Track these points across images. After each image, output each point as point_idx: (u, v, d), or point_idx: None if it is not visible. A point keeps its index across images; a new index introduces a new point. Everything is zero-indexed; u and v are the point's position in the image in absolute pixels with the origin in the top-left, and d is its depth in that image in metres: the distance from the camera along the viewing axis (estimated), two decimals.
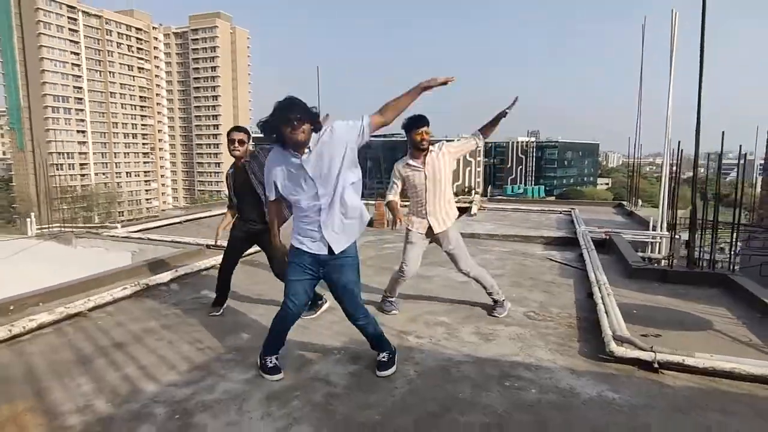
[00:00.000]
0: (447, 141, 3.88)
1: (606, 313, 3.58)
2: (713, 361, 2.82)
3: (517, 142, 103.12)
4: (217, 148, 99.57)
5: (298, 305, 2.76)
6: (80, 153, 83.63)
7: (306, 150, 2.53)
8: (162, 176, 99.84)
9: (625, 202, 11.50)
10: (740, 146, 4.77)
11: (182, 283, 4.79)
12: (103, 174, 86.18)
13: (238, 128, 3.77)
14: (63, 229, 7.13)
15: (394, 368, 2.86)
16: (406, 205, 4.04)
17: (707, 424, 2.35)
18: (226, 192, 3.99)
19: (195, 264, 5.26)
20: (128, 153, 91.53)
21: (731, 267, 4.84)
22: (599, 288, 4.18)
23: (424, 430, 2.30)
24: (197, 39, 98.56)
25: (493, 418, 2.39)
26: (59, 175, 79.34)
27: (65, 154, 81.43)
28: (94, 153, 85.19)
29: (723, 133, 4.60)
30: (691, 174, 5.39)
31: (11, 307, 3.84)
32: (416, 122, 3.53)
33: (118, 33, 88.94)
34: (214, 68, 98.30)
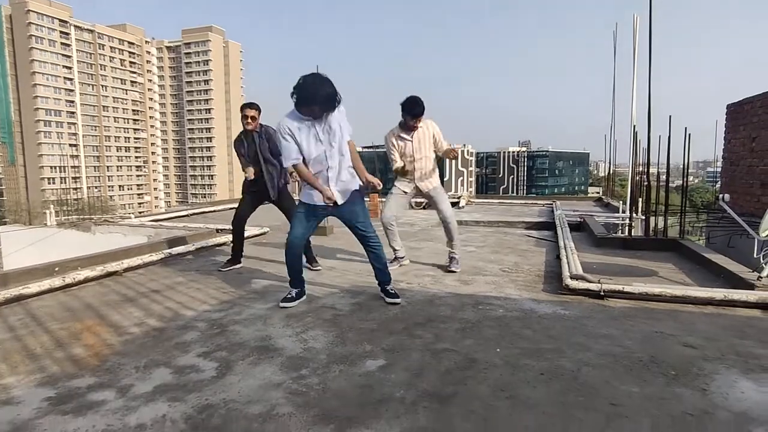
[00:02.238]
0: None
1: (567, 263, 4.24)
2: (646, 288, 3.48)
3: (509, 152, 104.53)
4: (211, 160, 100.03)
5: (299, 237, 3.45)
6: (72, 167, 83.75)
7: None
8: (155, 189, 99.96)
9: (603, 197, 12.25)
10: (685, 129, 5.47)
11: (199, 255, 5.40)
12: (96, 187, 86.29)
13: (250, 105, 4.49)
14: (82, 218, 7.70)
15: (400, 300, 3.49)
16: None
17: (633, 325, 3.00)
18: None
19: (208, 241, 5.86)
20: (121, 166, 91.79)
21: (681, 235, 5.52)
22: (565, 250, 4.84)
23: (413, 331, 2.92)
24: (190, 53, 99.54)
25: (467, 324, 3.03)
26: (51, 189, 80.00)
27: (57, 168, 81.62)
28: (86, 166, 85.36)
29: (670, 117, 5.31)
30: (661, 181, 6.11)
31: (56, 269, 4.43)
32: (413, 111, 4.18)
33: (111, 47, 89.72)
34: (207, 81, 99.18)
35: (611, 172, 11.88)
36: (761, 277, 3.53)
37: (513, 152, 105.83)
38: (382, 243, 3.67)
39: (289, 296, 3.47)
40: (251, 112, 4.41)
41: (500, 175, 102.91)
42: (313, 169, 3.33)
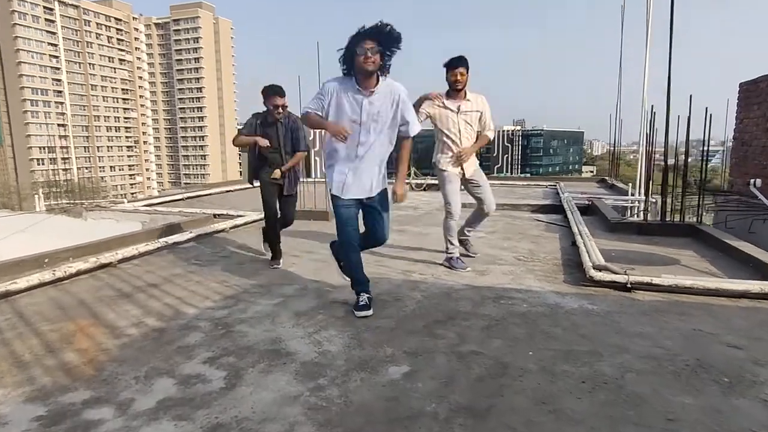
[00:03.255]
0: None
1: (587, 252, 4.03)
2: (676, 280, 3.29)
3: (503, 131, 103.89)
4: (203, 140, 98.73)
5: (350, 239, 2.99)
6: (61, 147, 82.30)
7: (371, 91, 2.80)
8: (147, 169, 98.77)
9: (607, 177, 12.03)
10: (706, 109, 5.22)
11: (198, 242, 5.14)
12: (86, 168, 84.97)
13: (276, 91, 4.00)
14: (73, 203, 7.40)
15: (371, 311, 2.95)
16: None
17: (668, 321, 2.81)
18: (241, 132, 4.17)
19: (205, 229, 5.60)
20: (111, 146, 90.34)
21: (699, 220, 5.33)
22: (581, 236, 4.63)
23: (434, 329, 2.72)
24: (179, 30, 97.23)
25: (492, 322, 2.83)
26: (40, 170, 78.71)
27: (46, 149, 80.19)
28: (75, 147, 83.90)
29: (690, 96, 5.06)
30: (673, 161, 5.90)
31: (46, 260, 4.17)
32: (452, 62, 3.77)
33: (97, 24, 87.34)
34: (197, 59, 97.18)
35: (615, 151, 11.63)
36: None
37: (507, 131, 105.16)
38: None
39: (362, 303, 2.96)
40: (281, 101, 3.99)
41: (494, 154, 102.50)
42: (340, 149, 2.93)
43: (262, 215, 5.94)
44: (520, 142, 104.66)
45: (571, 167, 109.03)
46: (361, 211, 3.04)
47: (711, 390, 2.04)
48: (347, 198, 2.95)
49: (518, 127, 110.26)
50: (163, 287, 3.60)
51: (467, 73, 3.82)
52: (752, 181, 4.29)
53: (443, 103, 3.89)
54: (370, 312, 2.93)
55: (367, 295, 3.03)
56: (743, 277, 3.66)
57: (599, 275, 3.45)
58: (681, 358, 2.33)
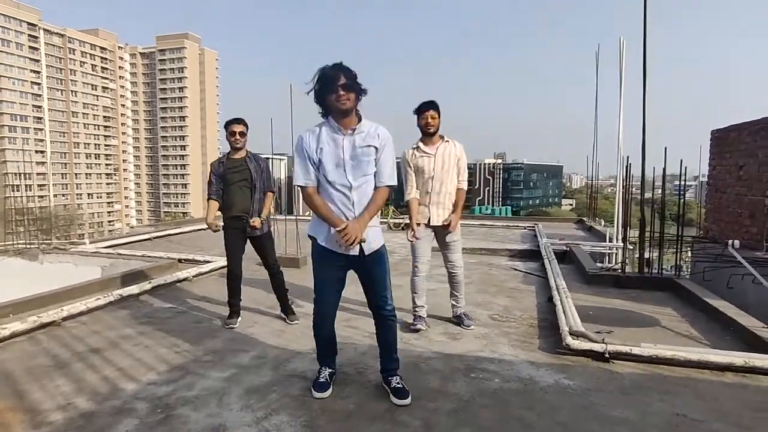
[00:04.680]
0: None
1: (564, 312, 3.84)
2: (656, 350, 3.10)
3: (485, 164, 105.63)
4: (184, 169, 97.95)
5: (333, 305, 2.69)
6: (38, 174, 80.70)
7: (349, 131, 2.52)
8: (126, 197, 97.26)
9: (585, 219, 12.05)
10: (681, 161, 5.20)
11: (156, 294, 4.83)
12: (63, 195, 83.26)
13: (238, 120, 3.85)
14: (28, 245, 7.01)
15: (410, 397, 2.59)
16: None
17: (650, 403, 2.61)
18: (210, 182, 3.95)
19: (167, 276, 5.30)
20: (90, 174, 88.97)
21: (677, 273, 5.23)
22: (558, 292, 4.46)
23: (396, 416, 2.46)
24: (165, 59, 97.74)
25: (460, 404, 2.59)
26: (15, 197, 76.44)
27: (23, 175, 78.40)
28: (53, 173, 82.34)
29: (666, 149, 5.03)
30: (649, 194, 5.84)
31: None
32: (422, 106, 3.62)
33: (82, 52, 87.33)
34: (181, 89, 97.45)
35: (592, 192, 11.69)
36: None
37: (489, 164, 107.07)
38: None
39: (323, 380, 2.71)
40: (239, 128, 3.81)
41: (476, 187, 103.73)
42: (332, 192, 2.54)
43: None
44: (501, 175, 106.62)
45: (550, 200, 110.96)
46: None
47: None
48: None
49: (499, 161, 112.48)
50: (105, 353, 3.28)
51: (438, 116, 3.68)
52: (730, 242, 4.20)
53: (422, 150, 3.72)
54: (328, 393, 2.66)
55: (330, 371, 2.77)
56: (725, 343, 3.51)
57: (576, 343, 3.25)
58: None
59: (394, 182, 2.68)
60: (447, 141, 3.75)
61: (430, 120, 3.65)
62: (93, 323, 3.94)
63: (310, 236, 2.68)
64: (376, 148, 2.56)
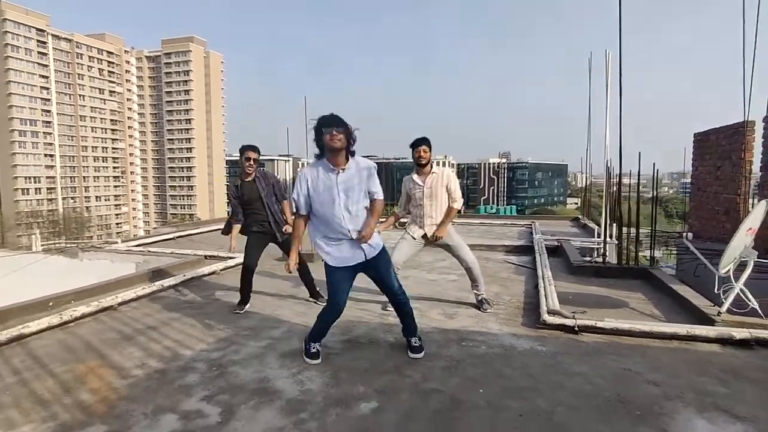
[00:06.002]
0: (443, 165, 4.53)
1: (545, 296, 4.50)
2: (617, 323, 3.76)
3: (489, 163, 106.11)
4: (191, 171, 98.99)
5: (344, 303, 3.30)
6: (47, 177, 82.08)
7: (340, 168, 3.16)
8: (133, 200, 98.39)
9: (580, 216, 12.68)
10: (653, 164, 5.83)
11: (189, 286, 5.52)
12: (72, 198, 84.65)
13: (252, 147, 4.50)
14: (68, 244, 7.73)
15: (423, 353, 3.36)
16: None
17: (604, 362, 3.26)
18: (230, 204, 4.69)
19: (197, 271, 5.98)
20: (98, 177, 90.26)
21: (652, 263, 5.86)
22: (543, 280, 5.11)
23: (402, 370, 3.13)
24: (170, 63, 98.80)
25: (452, 363, 3.25)
26: (25, 200, 78.23)
27: (32, 179, 79.93)
28: (62, 177, 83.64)
29: (639, 153, 5.66)
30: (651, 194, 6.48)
31: (50, 303, 4.52)
32: (415, 143, 4.39)
33: (89, 56, 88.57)
34: (187, 92, 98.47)
35: (588, 191, 12.31)
36: (721, 312, 3.84)
37: (493, 163, 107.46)
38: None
39: (314, 351, 3.33)
40: (253, 155, 4.45)
41: (481, 186, 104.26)
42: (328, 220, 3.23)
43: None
44: (505, 175, 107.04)
45: (555, 199, 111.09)
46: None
47: (623, 422, 2.48)
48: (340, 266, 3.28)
49: (504, 160, 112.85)
50: (161, 330, 3.97)
51: (430, 150, 4.41)
52: (684, 234, 4.82)
53: (414, 182, 4.47)
54: (320, 360, 3.30)
55: (318, 345, 3.38)
56: (679, 320, 4.15)
57: (551, 319, 3.91)
58: (606, 394, 2.78)
59: (382, 197, 3.39)
60: (434, 172, 4.46)
61: (422, 153, 4.38)
62: (143, 308, 4.63)
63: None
64: (365, 177, 3.25)
